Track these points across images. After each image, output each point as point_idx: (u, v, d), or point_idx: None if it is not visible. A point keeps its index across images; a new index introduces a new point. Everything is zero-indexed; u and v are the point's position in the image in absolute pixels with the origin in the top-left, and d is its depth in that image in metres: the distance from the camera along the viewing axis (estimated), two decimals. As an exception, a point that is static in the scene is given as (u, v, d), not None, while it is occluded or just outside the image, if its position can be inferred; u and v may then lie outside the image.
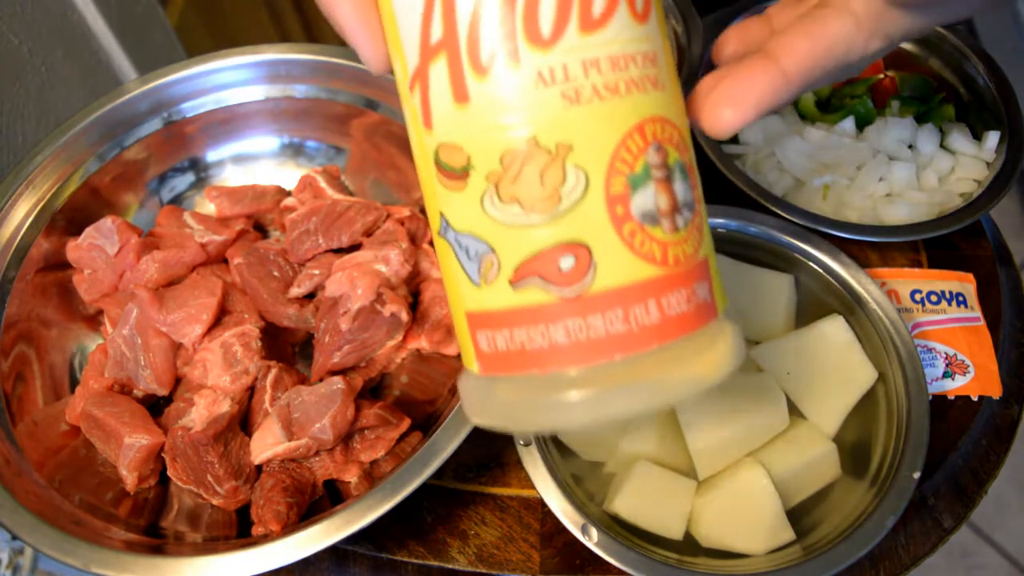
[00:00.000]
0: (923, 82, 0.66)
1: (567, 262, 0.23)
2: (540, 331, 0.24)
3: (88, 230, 0.54)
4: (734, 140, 0.65)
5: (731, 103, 0.26)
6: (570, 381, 0.24)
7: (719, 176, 0.57)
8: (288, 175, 0.62)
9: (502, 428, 0.26)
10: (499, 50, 0.23)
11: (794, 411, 0.49)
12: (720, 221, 0.53)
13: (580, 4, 0.23)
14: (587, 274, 0.23)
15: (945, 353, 0.53)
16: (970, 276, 0.57)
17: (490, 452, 0.51)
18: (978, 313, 0.55)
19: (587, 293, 0.23)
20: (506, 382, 0.25)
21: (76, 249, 0.54)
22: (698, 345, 0.25)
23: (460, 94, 0.23)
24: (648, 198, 0.24)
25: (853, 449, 0.48)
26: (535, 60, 0.23)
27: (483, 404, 0.26)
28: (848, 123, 0.63)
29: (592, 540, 0.41)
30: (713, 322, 0.25)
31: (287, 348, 0.55)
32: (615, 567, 0.41)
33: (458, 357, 0.52)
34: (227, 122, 0.61)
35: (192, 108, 0.59)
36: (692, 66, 0.63)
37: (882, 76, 0.66)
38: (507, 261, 0.24)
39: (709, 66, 0.65)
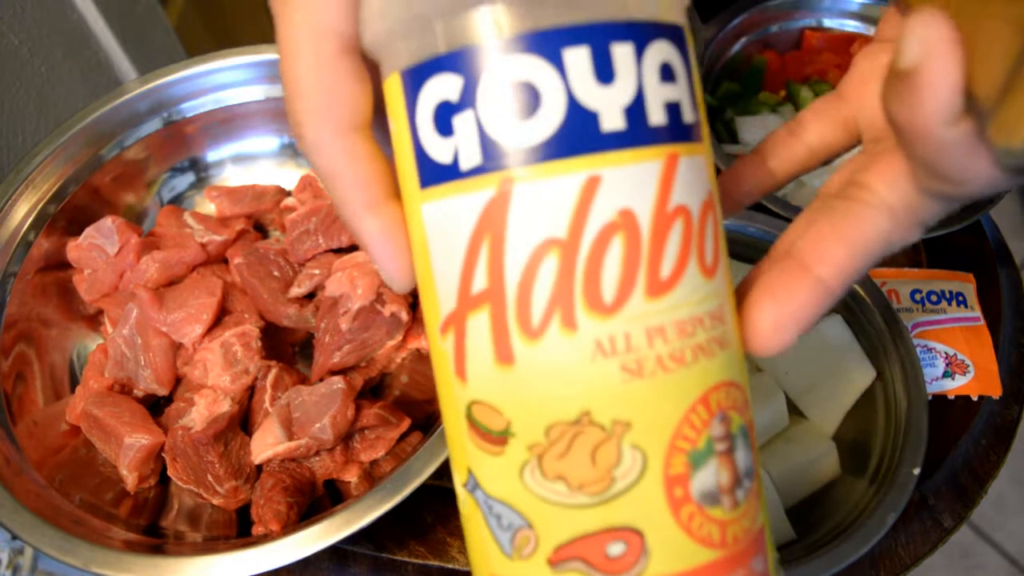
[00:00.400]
0: (923, 82, 0.66)
1: (616, 548, 0.21)
2: None
3: (88, 230, 0.54)
4: (733, 140, 0.65)
5: (775, 325, 0.23)
6: None
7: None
8: (288, 175, 0.62)
9: None
10: (553, 314, 0.20)
11: (793, 410, 0.49)
12: (720, 221, 0.53)
13: (648, 266, 0.20)
14: (638, 562, 0.21)
15: (945, 353, 0.53)
16: (970, 276, 0.57)
17: (490, 452, 0.51)
18: (978, 313, 0.55)
19: None
20: None
21: (76, 249, 0.54)
22: None
23: (504, 355, 0.21)
24: (710, 476, 0.21)
25: (852, 447, 0.48)
26: (594, 328, 0.20)
27: None
28: (848, 123, 0.63)
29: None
30: None
31: (287, 348, 0.55)
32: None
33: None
34: (227, 122, 0.61)
35: (192, 108, 0.60)
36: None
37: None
38: (546, 539, 0.21)
39: (707, 72, 0.65)
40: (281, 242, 0.56)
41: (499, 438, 0.21)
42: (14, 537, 0.41)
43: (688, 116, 0.22)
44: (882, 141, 0.27)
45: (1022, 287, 0.60)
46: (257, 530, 0.44)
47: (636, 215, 0.20)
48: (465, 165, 0.20)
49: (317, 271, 0.53)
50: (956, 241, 0.60)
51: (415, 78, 0.21)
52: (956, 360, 0.53)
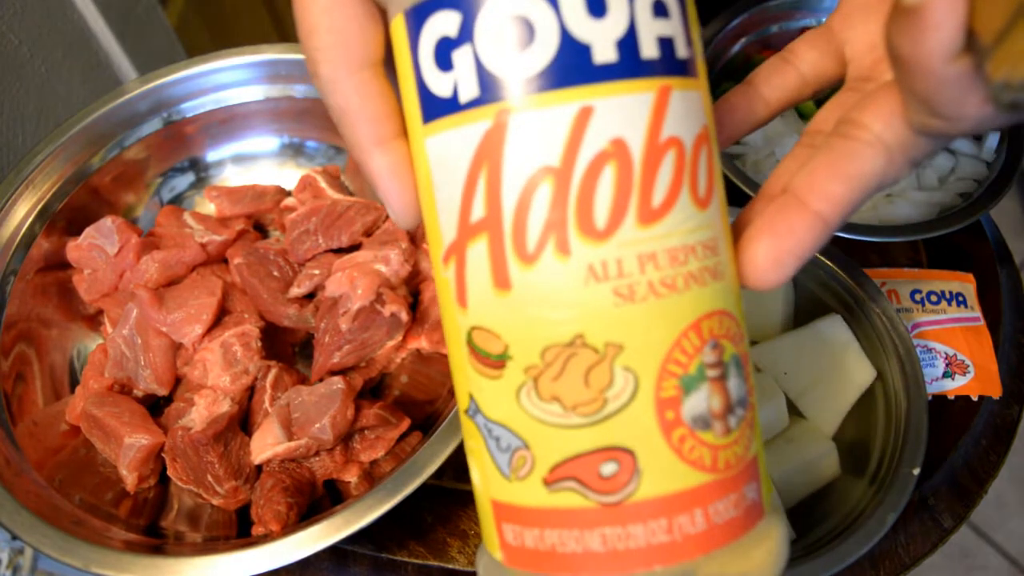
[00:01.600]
0: (923, 82, 0.66)
1: (609, 468, 0.21)
2: (574, 536, 0.22)
3: (88, 230, 0.54)
4: (734, 140, 0.65)
5: (774, 260, 0.23)
6: None
7: (719, 176, 0.57)
8: (288, 175, 0.62)
9: None
10: (548, 239, 0.21)
11: (793, 410, 0.49)
12: (720, 221, 0.53)
13: (640, 194, 0.21)
14: (630, 482, 0.21)
15: (945, 353, 0.53)
16: (970, 276, 0.57)
17: (490, 452, 0.51)
18: (978, 313, 0.55)
19: (628, 501, 0.21)
20: None
21: (76, 249, 0.54)
22: (745, 547, 0.23)
23: (501, 280, 0.21)
24: (701, 401, 0.22)
25: (852, 448, 0.48)
26: (587, 253, 0.21)
27: None
28: (848, 123, 0.63)
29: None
30: (761, 522, 0.23)
31: (287, 348, 0.55)
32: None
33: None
34: (227, 122, 0.61)
35: (192, 108, 0.60)
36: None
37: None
38: (542, 460, 0.22)
39: (707, 72, 0.65)
40: (281, 242, 0.56)
41: (497, 362, 0.22)
42: (14, 537, 0.41)
43: (682, 51, 0.22)
44: (871, 80, 0.27)
45: (1022, 287, 0.60)
46: (257, 530, 0.44)
47: (628, 144, 0.21)
48: (464, 98, 0.21)
49: (317, 271, 0.53)
50: (956, 241, 0.60)
51: (417, 16, 0.22)
52: (956, 360, 0.53)
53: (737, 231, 0.25)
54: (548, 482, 0.22)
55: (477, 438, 0.24)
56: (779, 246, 0.23)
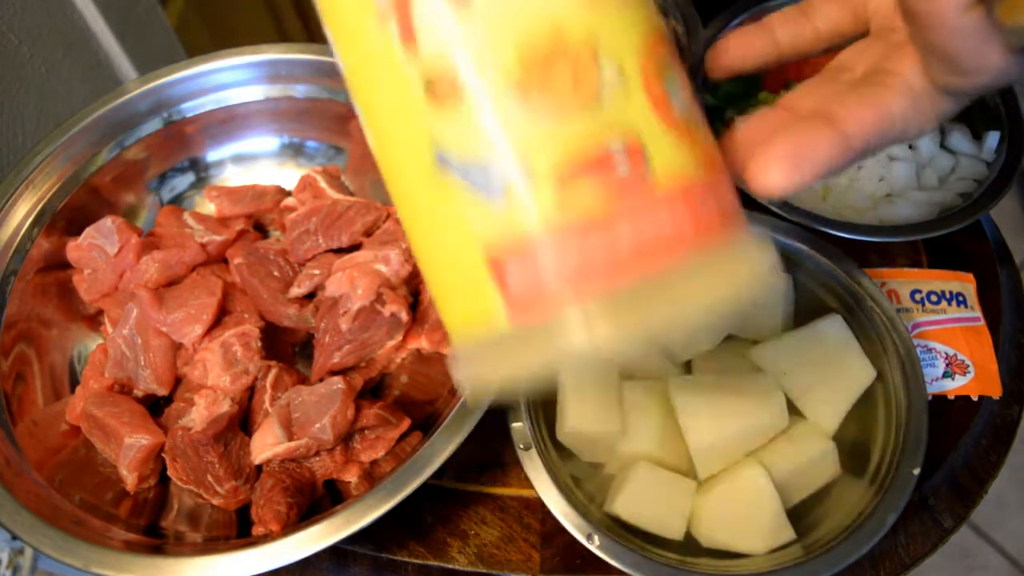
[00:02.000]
0: (923, 82, 0.66)
1: (618, 158, 0.21)
2: (596, 243, 0.21)
3: (88, 230, 0.54)
4: (734, 140, 0.65)
5: (793, 162, 0.24)
6: (645, 290, 0.21)
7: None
8: (288, 175, 0.62)
9: (546, 374, 0.22)
10: None
11: (793, 410, 0.49)
12: (720, 221, 0.53)
13: None
14: (642, 164, 0.21)
15: (945, 353, 0.53)
16: (970, 276, 0.57)
17: (490, 452, 0.51)
18: (978, 313, 0.55)
19: (646, 185, 0.21)
20: (563, 322, 0.21)
21: (76, 249, 0.54)
22: (750, 242, 0.24)
23: None
24: (679, 91, 0.23)
25: (852, 447, 0.48)
26: None
27: (532, 357, 0.22)
28: (848, 123, 0.63)
29: (595, 544, 0.41)
30: (750, 227, 0.25)
31: (287, 348, 0.55)
32: (616, 568, 0.41)
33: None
34: (227, 122, 0.61)
35: (192, 108, 0.60)
36: (692, 67, 0.63)
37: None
38: (542, 172, 0.21)
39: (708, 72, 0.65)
40: (281, 242, 0.56)
41: (469, 87, 0.21)
42: (14, 537, 0.41)
43: None
44: (896, 30, 0.28)
45: (1022, 287, 0.60)
46: (257, 530, 0.44)
47: None
48: None
49: (317, 271, 0.53)
50: (956, 241, 0.60)
51: None
52: (956, 360, 0.53)
53: (754, 137, 0.26)
54: (559, 184, 0.21)
55: (454, 189, 0.22)
56: (799, 149, 0.24)
